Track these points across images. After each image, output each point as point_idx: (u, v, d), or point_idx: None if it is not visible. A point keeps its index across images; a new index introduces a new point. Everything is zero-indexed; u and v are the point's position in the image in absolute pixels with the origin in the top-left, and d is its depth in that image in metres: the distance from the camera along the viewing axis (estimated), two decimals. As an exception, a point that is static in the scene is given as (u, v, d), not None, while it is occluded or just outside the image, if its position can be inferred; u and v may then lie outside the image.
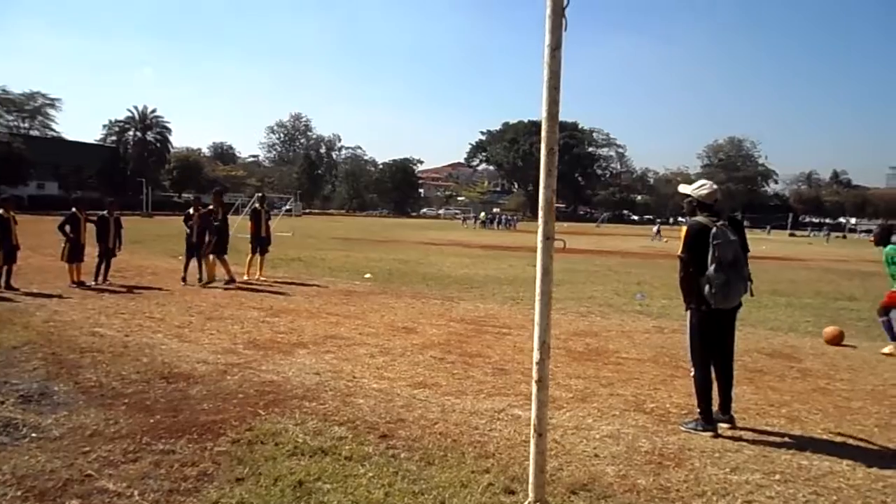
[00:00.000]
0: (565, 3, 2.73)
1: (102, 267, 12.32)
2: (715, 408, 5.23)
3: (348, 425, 4.94)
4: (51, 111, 77.70)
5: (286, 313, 9.91)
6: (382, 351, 7.57)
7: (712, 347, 5.23)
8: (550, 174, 2.88)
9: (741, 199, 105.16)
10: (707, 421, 5.12)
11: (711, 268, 4.97)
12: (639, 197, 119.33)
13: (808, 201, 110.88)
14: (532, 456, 3.05)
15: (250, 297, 11.48)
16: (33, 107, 76.05)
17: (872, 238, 8.96)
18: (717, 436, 5.02)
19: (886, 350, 8.39)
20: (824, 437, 5.15)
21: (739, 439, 4.99)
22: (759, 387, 6.58)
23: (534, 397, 3.00)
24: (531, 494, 3.03)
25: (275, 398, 5.58)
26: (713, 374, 5.25)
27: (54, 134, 77.12)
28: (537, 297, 2.97)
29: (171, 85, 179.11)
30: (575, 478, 4.12)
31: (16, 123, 73.87)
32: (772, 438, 5.04)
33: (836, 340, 8.92)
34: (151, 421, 4.89)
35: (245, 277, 13.77)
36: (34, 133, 73.26)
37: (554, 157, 2.88)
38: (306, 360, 6.98)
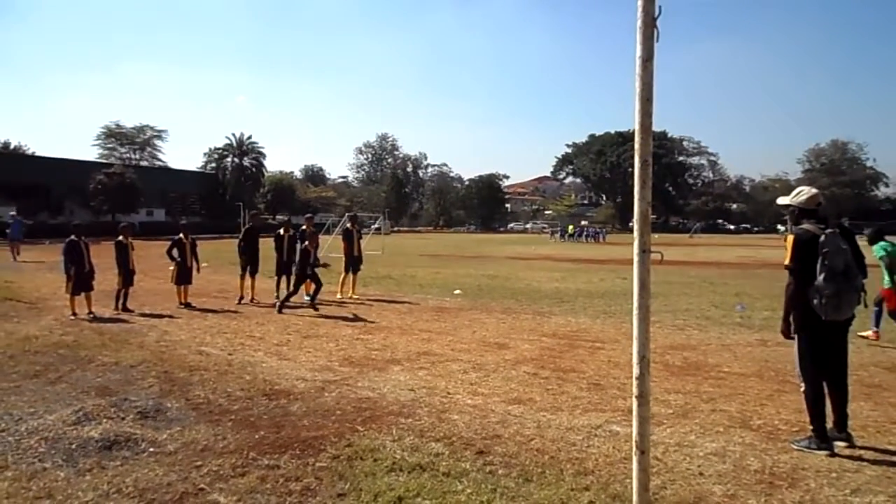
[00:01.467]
0: (657, 13, 2.70)
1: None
2: (829, 425, 4.95)
3: (444, 441, 4.97)
4: (158, 142, 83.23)
5: (379, 330, 10.10)
6: (475, 367, 7.59)
7: (823, 362, 4.95)
8: (645, 186, 2.84)
9: (847, 204, 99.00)
10: (821, 439, 4.85)
11: (821, 278, 4.72)
12: (734, 205, 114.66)
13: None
14: (635, 473, 2.98)
15: (344, 315, 11.77)
16: (143, 139, 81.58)
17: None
18: (833, 455, 4.75)
19: (864, 333, 9.05)
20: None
21: (859, 459, 4.69)
22: (879, 402, 6.17)
23: (634, 413, 2.94)
24: (634, 514, 2.97)
25: (371, 414, 5.69)
26: (826, 390, 4.97)
27: (161, 163, 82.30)
28: (635, 311, 2.92)
29: (263, 111, 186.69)
30: (680, 497, 3.99)
31: (128, 155, 79.33)
32: (895, 458, 4.71)
33: None
34: (256, 437, 5.09)
35: (339, 296, 14.15)
36: (144, 163, 78.32)
37: (648, 169, 2.83)
38: (400, 377, 7.09)
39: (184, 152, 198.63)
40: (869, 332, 9.14)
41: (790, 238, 5.01)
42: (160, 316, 11.27)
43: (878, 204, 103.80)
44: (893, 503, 3.93)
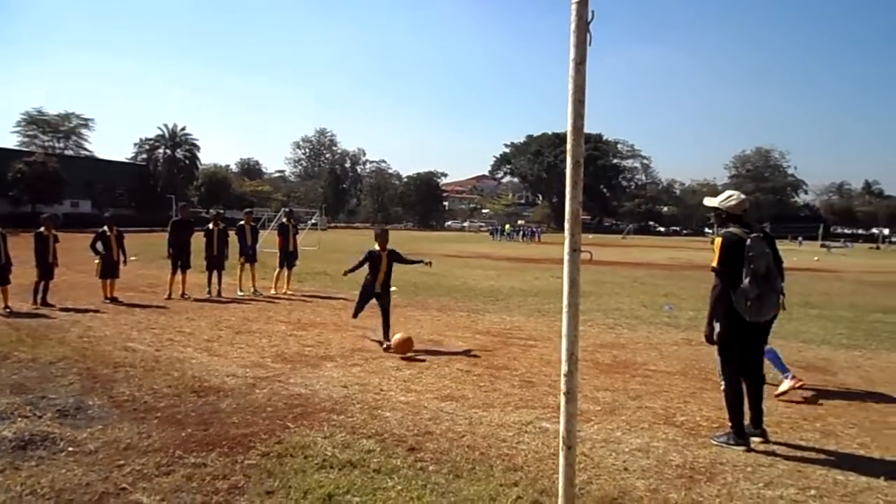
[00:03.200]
0: (590, 17, 2.76)
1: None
2: (746, 422, 5.15)
3: (376, 438, 4.96)
4: (84, 131, 79.40)
5: (313, 326, 9.99)
6: (409, 364, 7.59)
7: (743, 361, 5.14)
8: (577, 186, 2.90)
9: (770, 210, 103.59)
10: (739, 435, 5.05)
11: (746, 280, 4.90)
12: (665, 208, 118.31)
13: (840, 212, 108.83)
14: (561, 469, 3.03)
15: (278, 311, 11.58)
16: (68, 127, 77.65)
17: None
18: (749, 450, 4.95)
19: (784, 388, 6.52)
20: (861, 451, 5.05)
21: (773, 454, 4.91)
22: (793, 400, 6.47)
23: (562, 410, 3.00)
24: (561, 507, 3.02)
25: (303, 411, 5.63)
26: (744, 388, 5.17)
27: (87, 153, 78.78)
28: (565, 309, 2.98)
29: (200, 103, 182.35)
30: (605, 491, 4.10)
31: (51, 144, 75.54)
32: (806, 453, 4.95)
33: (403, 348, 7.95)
34: (183, 434, 4.96)
35: (272, 291, 13.92)
36: (69, 153, 74.80)
37: (580, 170, 2.89)
38: (334, 373, 7.03)
39: (113, 143, 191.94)
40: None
41: (718, 240, 5.11)
42: (84, 311, 10.83)
43: (797, 210, 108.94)
44: (803, 495, 4.13)
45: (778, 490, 4.21)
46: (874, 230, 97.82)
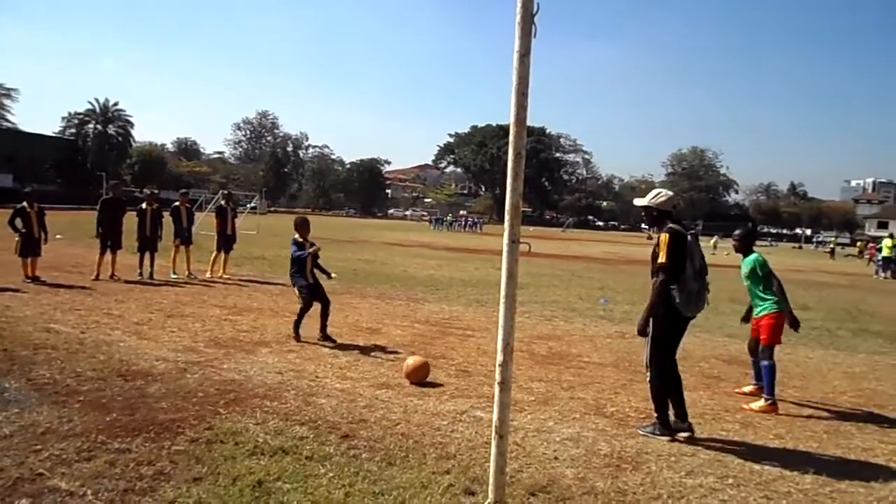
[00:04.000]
0: (535, 9, 2.77)
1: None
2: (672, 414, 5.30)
3: (310, 425, 4.91)
4: (6, 101, 75.39)
5: (249, 311, 9.81)
6: (345, 351, 7.53)
7: (672, 354, 5.29)
8: (517, 178, 2.91)
9: (703, 208, 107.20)
10: (664, 426, 5.18)
11: (689, 276, 5.06)
12: (604, 203, 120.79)
13: (767, 212, 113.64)
14: (493, 457, 3.07)
15: (213, 294, 11.32)
16: (-12, 97, 73.75)
17: (734, 244, 6.88)
18: (673, 440, 5.09)
19: (757, 406, 6.19)
20: (776, 442, 5.28)
21: (695, 443, 5.09)
22: (716, 392, 6.72)
23: (496, 399, 3.03)
24: (491, 495, 3.05)
25: (236, 397, 5.52)
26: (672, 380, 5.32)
27: (10, 125, 74.85)
28: (502, 300, 3.00)
29: (134, 78, 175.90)
30: (534, 480, 4.16)
31: (-31, 114, 71.60)
32: (726, 444, 5.15)
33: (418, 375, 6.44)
34: (107, 419, 4.79)
35: (209, 275, 13.61)
36: (-12, 124, 71.06)
37: (521, 162, 2.91)
38: (269, 359, 6.92)
39: (39, 116, 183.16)
40: (759, 404, 6.19)
41: (664, 236, 5.06)
42: (2, 290, 10.32)
43: (728, 209, 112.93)
44: (721, 483, 4.30)
45: (698, 479, 4.36)
46: (797, 230, 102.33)
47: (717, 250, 45.88)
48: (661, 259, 5.06)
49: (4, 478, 3.71)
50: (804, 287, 20.51)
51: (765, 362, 6.27)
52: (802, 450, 5.13)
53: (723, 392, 6.75)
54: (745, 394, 6.64)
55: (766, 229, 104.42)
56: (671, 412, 5.26)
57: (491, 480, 3.07)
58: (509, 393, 3.04)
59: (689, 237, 5.12)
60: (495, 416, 3.03)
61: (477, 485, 3.96)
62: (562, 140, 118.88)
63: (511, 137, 2.89)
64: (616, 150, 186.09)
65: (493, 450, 3.05)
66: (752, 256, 6.53)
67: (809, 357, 8.91)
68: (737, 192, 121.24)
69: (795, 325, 6.58)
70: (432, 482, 3.99)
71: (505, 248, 2.99)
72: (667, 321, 5.16)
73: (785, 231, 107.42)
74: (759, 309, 6.51)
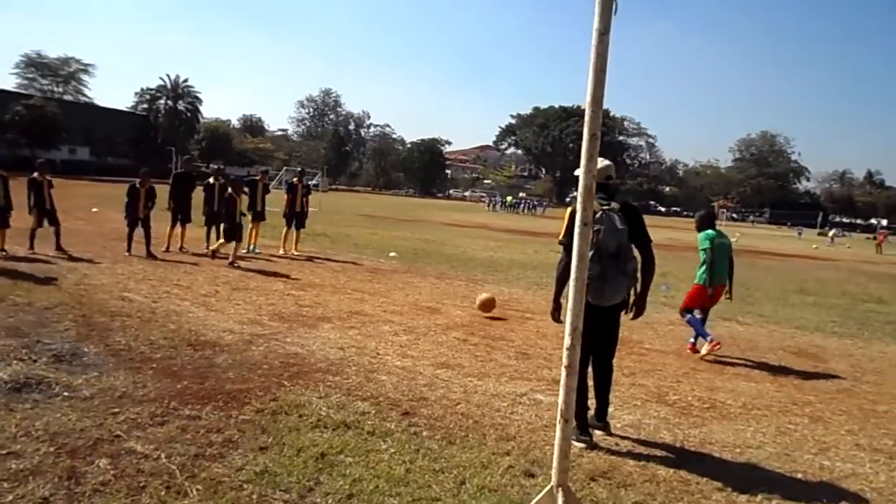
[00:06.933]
0: (617, -15, 2.69)
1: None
2: (591, 413, 4.80)
3: (371, 401, 4.98)
4: (84, 77, 78.35)
5: (311, 287, 9.99)
6: (406, 329, 7.60)
7: (588, 348, 4.21)
8: (592, 159, 2.85)
9: (771, 195, 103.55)
10: (581, 429, 4.47)
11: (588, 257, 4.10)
12: (667, 188, 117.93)
13: (840, 200, 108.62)
14: (557, 441, 3.04)
15: (276, 269, 11.56)
16: (67, 72, 76.64)
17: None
18: (592, 446, 4.45)
19: (704, 350, 7.38)
20: (848, 438, 5.09)
21: (763, 436, 4.95)
22: (783, 385, 6.51)
23: (562, 383, 2.99)
24: (554, 478, 3.03)
25: (299, 370, 5.64)
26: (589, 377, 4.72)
27: (87, 100, 77.88)
28: (571, 283, 2.96)
29: (203, 55, 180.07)
30: (595, 465, 4.13)
31: (50, 88, 74.65)
32: (794, 438, 5.00)
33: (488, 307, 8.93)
34: (178, 386, 4.97)
35: (281, 251, 13.89)
36: (68, 98, 73.98)
37: (596, 143, 2.84)
38: (330, 335, 7.04)
39: (113, 91, 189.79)
40: (706, 347, 7.36)
41: (568, 211, 4.45)
42: (80, 260, 10.77)
43: (798, 196, 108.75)
44: (788, 478, 4.17)
45: (764, 472, 4.26)
46: (872, 220, 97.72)
47: (833, 242, 44.67)
48: (560, 236, 4.58)
49: (86, 437, 3.89)
50: (878, 279, 19.66)
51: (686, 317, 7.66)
52: (876, 446, 4.93)
53: (791, 385, 6.53)
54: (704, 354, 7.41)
55: (837, 219, 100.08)
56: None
57: (554, 464, 3.05)
58: (576, 377, 3.00)
59: (600, 213, 4.36)
60: (561, 400, 3.00)
61: (537, 467, 3.95)
62: (625, 123, 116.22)
63: (587, 117, 2.82)
64: (681, 133, 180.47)
65: (558, 433, 3.03)
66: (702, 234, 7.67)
67: (884, 352, 8.54)
68: (808, 179, 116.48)
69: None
70: (492, 462, 4.01)
71: (577, 230, 2.93)
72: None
73: (859, 221, 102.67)
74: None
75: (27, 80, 73.03)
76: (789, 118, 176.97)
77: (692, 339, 7.74)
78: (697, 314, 7.65)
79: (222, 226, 12.18)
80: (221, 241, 12.13)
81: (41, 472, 3.43)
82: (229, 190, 12.27)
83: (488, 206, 67.00)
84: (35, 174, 11.45)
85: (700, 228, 7.75)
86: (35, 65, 73.41)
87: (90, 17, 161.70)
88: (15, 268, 9.44)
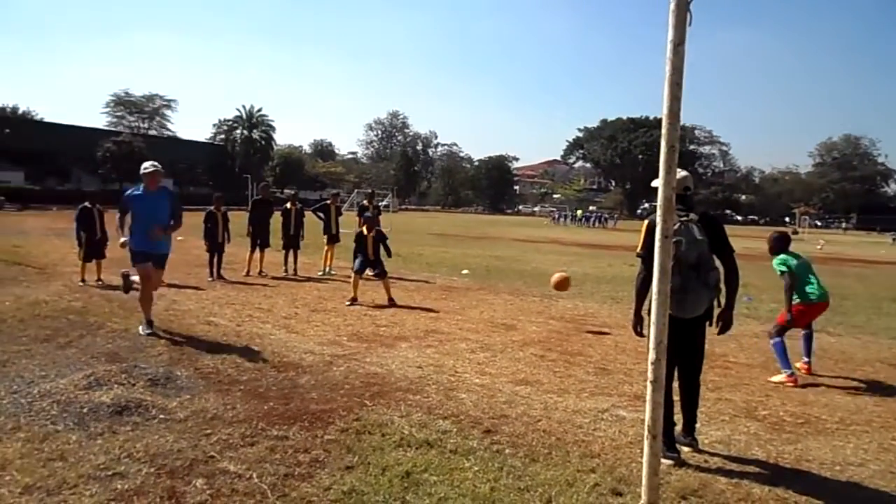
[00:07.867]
0: (691, -3, 2.67)
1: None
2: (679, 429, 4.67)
3: (452, 419, 5.00)
4: (167, 111, 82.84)
5: (387, 307, 10.13)
6: (483, 347, 7.61)
7: (672, 361, 4.24)
8: (670, 171, 2.82)
9: (857, 200, 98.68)
10: (667, 446, 4.29)
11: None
12: (743, 197, 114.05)
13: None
14: (645, 458, 2.99)
15: (351, 290, 11.75)
16: (152, 108, 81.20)
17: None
18: (680, 464, 4.34)
19: (776, 379, 6.67)
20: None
21: (865, 452, 4.70)
22: (883, 399, 6.18)
23: (648, 398, 2.95)
24: (644, 497, 2.98)
25: (380, 390, 5.72)
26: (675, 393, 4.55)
27: (170, 133, 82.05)
28: (654, 297, 2.92)
29: (275, 84, 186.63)
30: (685, 483, 4.02)
31: (136, 124, 79.09)
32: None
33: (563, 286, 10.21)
34: (265, 407, 5.12)
35: (320, 273, 14.13)
36: (152, 133, 78.11)
37: (675, 154, 2.81)
38: (408, 354, 7.12)
39: (192, 123, 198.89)
40: (781, 377, 6.69)
41: (645, 224, 4.47)
42: (169, 286, 11.24)
43: (886, 200, 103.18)
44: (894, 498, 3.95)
45: (867, 492, 4.04)
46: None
47: None
48: (638, 248, 4.61)
49: (183, 458, 4.06)
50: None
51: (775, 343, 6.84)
52: None
53: (892, 399, 6.18)
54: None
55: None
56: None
57: (644, 482, 2.99)
58: (662, 392, 2.95)
59: (679, 224, 4.27)
60: (648, 416, 2.96)
61: (624, 485, 3.88)
62: (696, 132, 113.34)
63: (664, 130, 2.79)
64: (757, 140, 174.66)
65: (646, 450, 2.98)
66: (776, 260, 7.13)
67: None
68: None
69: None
70: (577, 480, 3.95)
71: (658, 244, 2.90)
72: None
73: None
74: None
75: (116, 117, 77.94)
76: (873, 120, 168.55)
77: (806, 359, 7.05)
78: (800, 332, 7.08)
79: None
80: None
81: (144, 492, 3.60)
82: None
83: (556, 220, 66.34)
84: (211, 208, 12.51)
85: (774, 252, 7.20)
86: (123, 103, 78.35)
87: (168, 55, 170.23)
88: (109, 296, 9.95)
